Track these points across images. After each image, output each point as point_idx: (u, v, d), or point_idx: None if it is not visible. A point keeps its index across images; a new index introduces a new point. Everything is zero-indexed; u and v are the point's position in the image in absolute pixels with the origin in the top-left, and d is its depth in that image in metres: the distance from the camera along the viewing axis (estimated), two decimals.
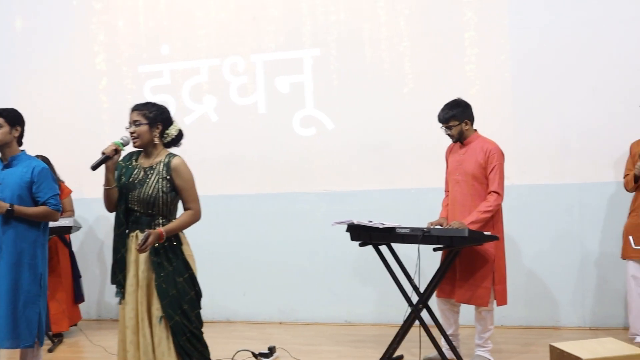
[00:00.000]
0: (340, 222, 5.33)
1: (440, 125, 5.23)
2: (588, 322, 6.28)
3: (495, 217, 5.11)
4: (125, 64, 7.46)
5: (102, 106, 7.49)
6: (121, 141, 4.08)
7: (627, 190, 5.58)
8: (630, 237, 4.77)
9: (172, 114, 6.91)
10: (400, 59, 6.67)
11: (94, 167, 4.01)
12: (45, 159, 6.22)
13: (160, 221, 4.08)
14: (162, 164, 4.11)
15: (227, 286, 7.13)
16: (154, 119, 4.12)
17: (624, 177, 5.59)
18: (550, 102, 6.28)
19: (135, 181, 4.09)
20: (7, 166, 4.64)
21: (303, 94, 6.94)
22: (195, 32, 7.23)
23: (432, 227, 5.05)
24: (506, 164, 5.23)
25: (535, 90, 6.32)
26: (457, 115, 5.16)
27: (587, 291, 6.27)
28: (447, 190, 5.43)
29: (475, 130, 5.27)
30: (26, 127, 4.77)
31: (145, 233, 3.92)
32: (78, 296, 6.84)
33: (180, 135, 4.28)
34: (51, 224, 5.03)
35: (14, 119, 4.63)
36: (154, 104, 4.19)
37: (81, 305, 7.01)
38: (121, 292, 4.15)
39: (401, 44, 6.65)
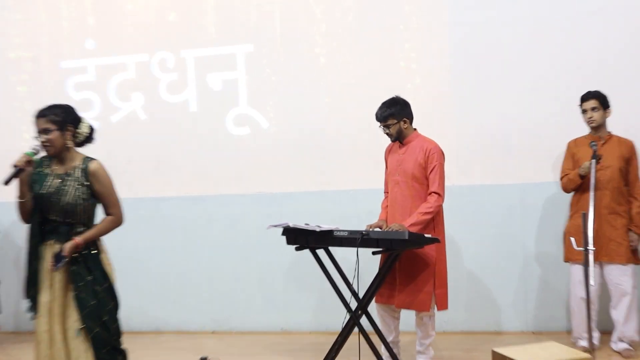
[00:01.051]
0: (276, 225, 5.27)
1: (379, 124, 5.22)
2: (531, 326, 6.36)
3: (436, 219, 5.10)
4: (46, 59, 7.25)
5: (22, 105, 7.27)
6: (32, 151, 3.96)
7: (566, 191, 5.66)
8: (572, 239, 4.83)
9: (97, 112, 6.95)
10: (336, 55, 6.64)
11: (7, 182, 3.90)
12: None
13: (80, 229, 4.01)
14: (79, 170, 4.03)
15: (156, 294, 7.01)
16: (63, 122, 4.02)
17: (561, 178, 5.67)
18: (490, 101, 6.34)
19: (51, 189, 3.98)
20: None
21: (236, 91, 6.87)
22: (122, 25, 7.08)
23: (371, 229, 5.02)
24: (447, 163, 5.23)
25: (475, 88, 6.37)
26: (395, 113, 5.15)
27: (529, 294, 6.34)
28: (386, 192, 5.41)
29: (415, 129, 5.27)
30: None
31: (55, 252, 3.86)
32: None
33: (92, 132, 4.19)
34: None
35: None
36: (58, 106, 4.07)
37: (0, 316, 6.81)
38: (33, 307, 4.05)
39: (338, 40, 6.63)
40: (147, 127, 7.08)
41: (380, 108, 5.20)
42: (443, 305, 5.16)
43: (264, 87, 6.82)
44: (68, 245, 3.84)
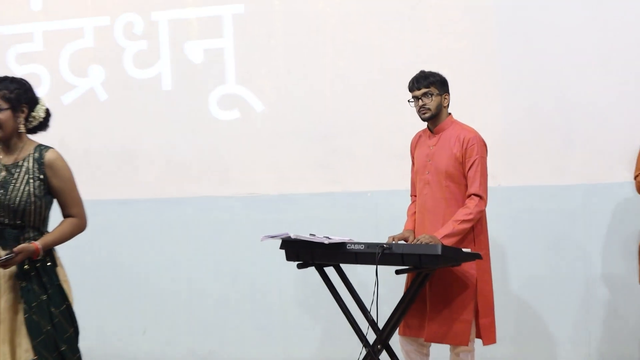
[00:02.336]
0: (273, 237, 5.27)
1: (414, 91, 5.16)
2: None
3: (476, 229, 5.12)
4: None
5: None
6: None
7: None
8: None
9: (46, 90, 6.96)
10: (351, 15, 6.67)
11: None
12: None
13: (31, 234, 4.03)
14: (31, 160, 4.05)
15: (123, 320, 7.10)
16: (17, 101, 4.02)
17: (635, 177, 5.66)
18: (545, 78, 6.34)
19: None
20: None
21: (222, 65, 6.92)
22: None
23: (394, 242, 5.04)
24: (490, 157, 5.25)
25: (526, 61, 6.37)
26: (437, 83, 5.15)
27: (593, 323, 6.35)
28: (413, 195, 5.43)
29: (450, 114, 5.27)
30: None
31: (8, 252, 3.84)
32: None
33: (48, 117, 4.22)
34: None
35: None
36: (12, 79, 4.09)
37: None
38: None
39: (354, 10, 6.65)
40: (108, 110, 7.13)
41: (421, 73, 5.19)
42: (490, 338, 5.18)
43: (258, 60, 6.84)
44: (24, 249, 3.85)
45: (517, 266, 6.43)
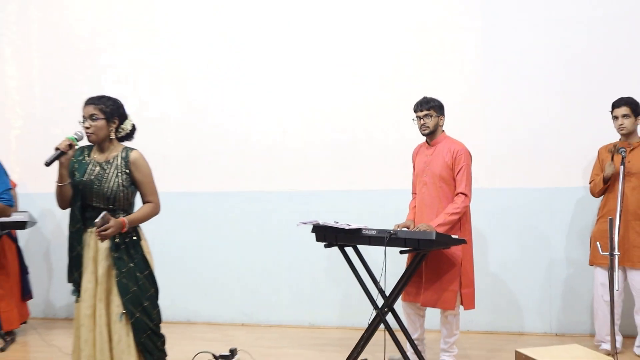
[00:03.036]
0: (306, 223, 5.35)
1: (415, 115, 5.26)
2: (554, 329, 6.39)
3: (462, 220, 5.17)
4: (81, 53, 7.39)
5: (52, 97, 7.43)
6: (75, 136, 3.99)
7: (594, 196, 5.69)
8: (598, 244, 4.84)
9: (131, 107, 7.01)
10: (367, 56, 6.71)
11: (48, 163, 3.92)
12: None
13: (121, 215, 4.08)
14: (119, 158, 4.10)
15: (188, 286, 7.13)
16: (111, 114, 4.09)
17: (590, 183, 5.69)
18: (518, 104, 6.39)
19: (92, 177, 4.06)
20: None
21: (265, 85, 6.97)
22: (154, 21, 7.21)
23: (399, 229, 5.09)
24: (475, 166, 5.31)
25: (503, 91, 6.42)
26: (436, 107, 5.23)
27: (554, 297, 6.37)
28: (414, 193, 5.48)
29: (443, 131, 5.33)
30: None
31: (103, 214, 3.88)
32: (26, 293, 6.77)
33: (133, 130, 4.27)
34: (5, 219, 4.97)
35: None
36: (109, 98, 4.14)
37: (31, 303, 6.96)
38: (77, 290, 4.13)
39: (370, 39, 6.70)
40: (180, 123, 7.19)
41: (424, 99, 5.27)
42: (470, 304, 5.22)
43: (292, 82, 6.90)
44: (115, 221, 3.91)
45: (494, 250, 6.47)
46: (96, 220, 3.89)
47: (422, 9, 6.57)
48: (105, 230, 3.88)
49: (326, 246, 5.38)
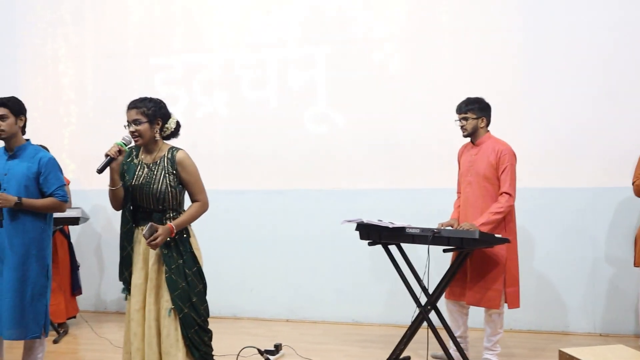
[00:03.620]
0: (350, 221, 5.33)
1: (457, 116, 5.22)
2: (598, 329, 6.27)
3: (507, 219, 5.11)
4: (135, 55, 7.48)
5: (109, 97, 7.50)
6: (123, 141, 4.04)
7: (638, 196, 5.55)
8: None
9: (183, 107, 7.10)
10: (412, 58, 6.66)
11: (100, 170, 3.98)
12: (44, 149, 6.24)
13: (171, 215, 4.10)
14: (166, 159, 4.12)
15: (235, 282, 7.16)
16: (154, 115, 4.10)
17: (633, 183, 5.55)
18: (562, 105, 6.28)
19: (141, 178, 4.09)
20: (12, 157, 4.63)
21: (315, 91, 6.95)
22: (207, 25, 7.25)
23: (442, 227, 5.05)
24: (518, 166, 5.23)
25: (547, 91, 6.32)
26: (476, 109, 5.18)
27: (598, 297, 6.25)
28: (459, 192, 5.43)
29: (488, 131, 5.27)
30: (34, 118, 4.74)
31: (149, 225, 3.92)
32: (75, 288, 6.83)
33: (178, 127, 4.28)
34: (59, 214, 5.03)
35: (18, 108, 4.60)
36: (150, 100, 4.15)
37: (81, 297, 7.05)
38: (127, 289, 4.19)
39: (414, 43, 6.65)
40: (229, 123, 7.21)
41: (464, 101, 5.24)
42: (514, 303, 5.15)
43: (342, 88, 6.87)
44: (163, 229, 3.95)
45: (539, 249, 6.37)
46: (143, 232, 3.94)
47: (464, 10, 6.50)
48: (155, 239, 3.92)
49: (370, 244, 5.36)
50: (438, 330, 5.09)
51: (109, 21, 7.53)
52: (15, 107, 4.58)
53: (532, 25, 6.34)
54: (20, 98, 4.70)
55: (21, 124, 4.63)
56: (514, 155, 5.14)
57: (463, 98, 5.28)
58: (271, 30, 7.05)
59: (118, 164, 4.03)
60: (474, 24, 6.48)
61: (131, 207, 4.14)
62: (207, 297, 4.23)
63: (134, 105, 4.11)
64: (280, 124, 7.05)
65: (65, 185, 4.68)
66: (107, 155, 3.99)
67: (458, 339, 5.21)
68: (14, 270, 4.51)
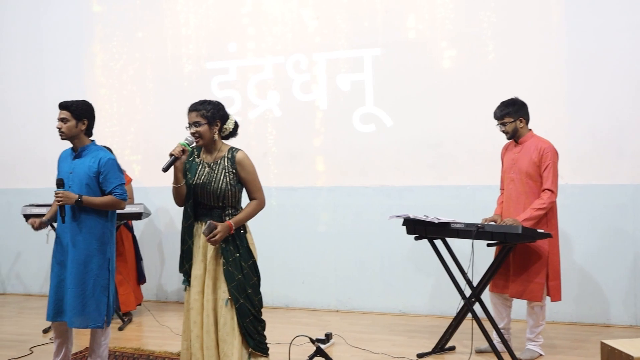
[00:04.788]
0: (397, 216, 5.36)
1: (496, 122, 5.21)
2: None
3: (549, 215, 5.07)
4: (192, 60, 7.57)
5: (168, 100, 7.62)
6: (186, 142, 4.13)
7: None
8: None
9: (237, 109, 7.16)
10: (457, 58, 6.62)
11: (165, 169, 4.09)
12: (107, 150, 6.38)
13: (230, 212, 4.18)
14: (226, 159, 4.19)
15: (287, 274, 7.21)
16: (212, 117, 4.17)
17: None
18: (602, 102, 6.16)
19: (202, 177, 4.17)
20: (77, 156, 4.74)
21: (363, 92, 6.95)
22: (260, 30, 7.30)
23: (486, 223, 5.03)
24: (560, 163, 5.19)
25: (588, 88, 6.20)
26: (512, 112, 5.14)
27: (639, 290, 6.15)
28: (502, 188, 5.40)
29: (530, 129, 5.23)
30: (100, 119, 4.83)
31: (208, 223, 4.01)
32: (141, 277, 7.01)
33: (236, 127, 4.34)
34: (123, 210, 5.14)
35: (80, 112, 4.68)
36: (209, 102, 4.22)
37: (145, 287, 7.21)
38: (187, 280, 4.27)
39: (458, 44, 6.61)
40: (281, 123, 7.26)
41: (499, 107, 5.21)
42: (557, 296, 5.12)
43: (389, 88, 6.86)
44: (223, 226, 4.03)
45: (580, 244, 6.27)
46: (203, 230, 4.04)
47: (508, 10, 6.43)
48: (214, 236, 4.00)
49: (416, 239, 5.37)
50: (482, 322, 5.07)
51: (168, 28, 7.64)
52: (77, 111, 4.67)
53: (574, 24, 6.23)
54: (89, 102, 4.81)
55: (82, 127, 4.70)
56: (556, 153, 5.10)
57: (506, 96, 5.25)
58: (321, 34, 7.08)
59: (182, 163, 4.12)
60: (518, 24, 6.40)
61: (192, 204, 4.21)
62: (261, 289, 4.28)
63: (194, 108, 4.19)
64: (329, 124, 7.07)
65: (124, 184, 4.76)
66: (171, 155, 4.08)
67: (502, 330, 5.18)
68: (77, 264, 4.63)
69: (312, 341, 5.46)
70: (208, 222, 4.02)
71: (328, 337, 5.73)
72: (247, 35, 7.34)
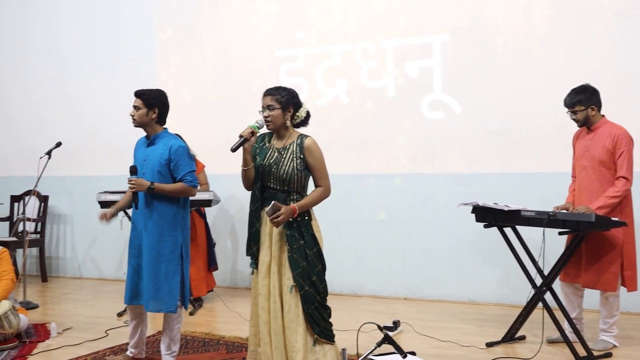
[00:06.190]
0: (466, 204, 5.29)
1: (566, 110, 5.07)
2: None
3: (623, 203, 4.93)
4: (262, 48, 7.61)
5: (238, 88, 7.68)
6: (256, 124, 4.16)
7: None
8: None
9: (306, 96, 7.18)
10: (529, 45, 6.47)
11: (234, 149, 4.12)
12: (177, 138, 6.49)
13: (295, 197, 4.19)
14: (295, 145, 4.20)
15: (355, 262, 7.20)
16: (286, 103, 4.19)
17: None
18: None
19: (271, 161, 4.19)
20: (150, 144, 4.84)
21: (432, 78, 6.87)
22: (329, 18, 7.29)
23: (558, 211, 4.92)
24: (635, 149, 5.02)
25: None
26: (583, 100, 4.99)
27: None
28: (574, 176, 5.26)
29: (603, 116, 5.08)
30: (172, 108, 4.90)
31: (272, 204, 4.02)
32: (212, 263, 7.10)
33: (308, 116, 4.34)
34: (193, 197, 5.22)
35: (151, 100, 4.76)
36: (284, 89, 4.24)
37: (216, 273, 7.28)
38: (255, 262, 4.29)
39: (531, 30, 6.45)
40: (349, 111, 7.23)
41: (569, 94, 5.07)
42: (633, 286, 5.00)
43: (458, 75, 6.77)
44: (286, 208, 4.04)
45: None
46: (267, 209, 4.05)
47: None
48: (277, 217, 4.00)
49: (485, 226, 5.30)
50: (553, 311, 4.97)
51: (238, 17, 7.70)
52: (149, 100, 4.75)
53: None
54: (163, 90, 4.90)
55: (153, 116, 4.77)
56: (631, 139, 4.94)
57: (578, 82, 5.10)
58: (389, 21, 7.02)
59: (251, 145, 4.14)
60: (590, 9, 6.22)
61: (260, 187, 4.23)
62: (329, 276, 4.29)
63: (269, 92, 4.22)
64: (397, 110, 7.01)
65: (194, 171, 4.83)
66: (241, 136, 4.11)
67: (573, 320, 5.06)
68: (149, 249, 4.74)
69: (380, 328, 5.42)
70: (272, 202, 4.04)
71: (396, 324, 5.71)
72: (315, 22, 7.34)
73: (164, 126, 4.90)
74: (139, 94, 4.78)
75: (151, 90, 4.82)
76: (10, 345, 5.45)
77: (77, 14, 8.61)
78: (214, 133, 7.73)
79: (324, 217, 4.47)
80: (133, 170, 4.73)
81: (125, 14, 8.32)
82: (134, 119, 4.79)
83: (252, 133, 4.12)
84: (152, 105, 4.76)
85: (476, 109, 6.69)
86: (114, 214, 4.90)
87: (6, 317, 5.43)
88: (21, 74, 8.98)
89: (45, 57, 8.83)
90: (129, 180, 4.68)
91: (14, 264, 6.47)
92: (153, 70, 8.13)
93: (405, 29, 6.96)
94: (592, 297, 5.44)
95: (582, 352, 4.83)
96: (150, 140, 4.84)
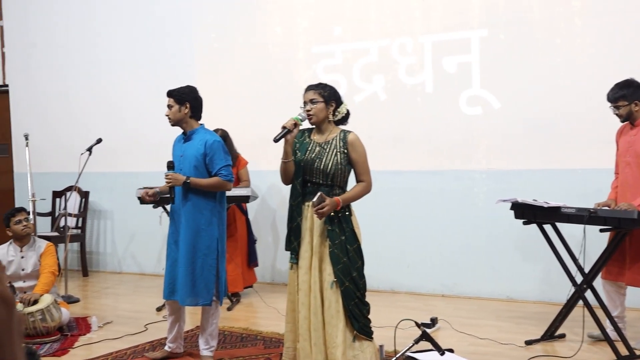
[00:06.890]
0: (505, 200, 5.24)
1: (609, 104, 4.98)
2: None
3: None
4: (300, 45, 7.61)
5: (277, 85, 7.69)
6: (299, 116, 4.19)
7: None
8: None
9: (343, 92, 7.13)
10: (569, 38, 6.38)
11: (276, 140, 4.14)
12: (224, 133, 6.53)
13: (337, 191, 4.20)
14: (338, 139, 4.21)
15: (393, 258, 7.17)
16: (329, 98, 4.22)
17: None
18: None
19: (312, 155, 4.20)
20: (187, 140, 4.90)
21: (470, 73, 6.81)
22: (365, 14, 7.26)
23: (599, 207, 4.84)
24: None
25: None
26: (626, 95, 4.90)
27: None
28: (616, 173, 5.17)
29: None
30: (212, 104, 4.96)
31: (319, 194, 4.02)
32: (253, 260, 7.12)
33: (348, 114, 4.36)
34: (231, 193, 5.25)
35: (182, 97, 4.82)
36: (326, 85, 4.28)
37: (257, 269, 7.30)
38: (295, 257, 4.29)
39: (572, 24, 6.36)
40: (386, 107, 7.20)
41: (612, 89, 4.98)
42: None
43: (497, 70, 6.70)
44: (331, 200, 4.04)
45: None
46: (313, 200, 4.04)
47: None
48: (322, 208, 4.00)
49: (525, 223, 5.24)
50: (594, 309, 4.89)
51: (275, 14, 7.71)
52: (179, 96, 4.83)
53: None
54: (199, 87, 4.97)
55: (186, 111, 4.83)
56: None
57: (622, 76, 5.01)
58: (427, 17, 6.97)
59: (293, 137, 4.16)
60: (630, 3, 6.11)
61: (301, 182, 4.24)
62: (367, 272, 4.27)
63: (312, 87, 4.26)
64: (435, 106, 6.96)
65: (229, 165, 4.87)
66: (283, 127, 4.13)
67: (615, 319, 4.98)
68: (186, 244, 4.79)
69: (418, 325, 5.40)
70: (319, 192, 4.03)
71: (434, 321, 5.67)
72: (352, 18, 7.32)
73: (200, 122, 4.95)
74: (170, 93, 4.87)
75: (181, 87, 4.91)
76: (52, 338, 5.56)
77: (114, 12, 8.70)
78: (253, 129, 7.74)
79: (362, 214, 4.46)
80: (170, 166, 4.83)
81: (163, 10, 8.38)
82: (169, 118, 4.87)
83: (295, 125, 4.14)
84: (183, 100, 4.82)
85: (515, 105, 6.61)
86: (157, 194, 4.97)
87: (48, 310, 5.53)
88: (62, 72, 9.11)
89: (83, 55, 8.94)
90: (166, 175, 4.77)
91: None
92: (190, 67, 8.17)
93: (442, 25, 6.91)
94: (634, 295, 5.35)
95: (623, 351, 4.75)
96: (187, 136, 4.90)
